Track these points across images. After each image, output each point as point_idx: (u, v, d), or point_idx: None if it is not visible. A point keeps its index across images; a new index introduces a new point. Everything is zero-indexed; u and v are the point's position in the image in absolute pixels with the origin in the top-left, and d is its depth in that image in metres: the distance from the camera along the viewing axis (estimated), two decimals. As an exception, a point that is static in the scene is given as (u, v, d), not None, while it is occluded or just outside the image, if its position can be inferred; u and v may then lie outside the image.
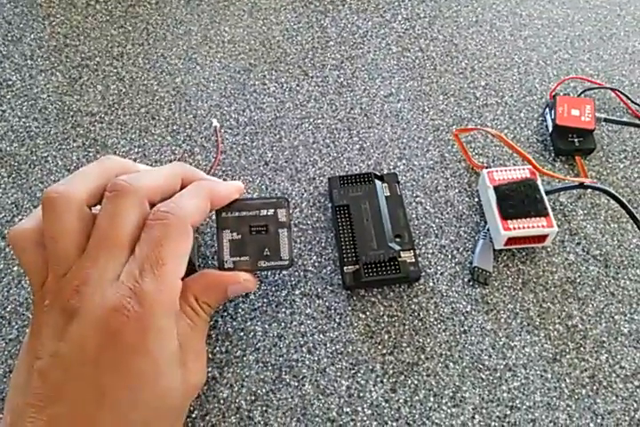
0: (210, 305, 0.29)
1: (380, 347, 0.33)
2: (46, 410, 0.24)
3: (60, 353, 0.24)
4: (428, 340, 0.33)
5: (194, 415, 0.31)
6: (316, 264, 0.35)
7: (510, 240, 0.34)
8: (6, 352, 0.32)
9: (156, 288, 0.25)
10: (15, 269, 0.35)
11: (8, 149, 0.40)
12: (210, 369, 0.32)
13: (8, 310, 0.34)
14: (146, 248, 0.26)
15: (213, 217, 0.36)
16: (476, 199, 0.38)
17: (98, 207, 0.28)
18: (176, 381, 0.26)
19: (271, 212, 0.31)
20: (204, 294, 0.29)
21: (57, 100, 0.42)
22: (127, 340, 0.24)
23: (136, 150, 0.40)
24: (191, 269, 0.29)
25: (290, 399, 0.31)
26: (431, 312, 0.34)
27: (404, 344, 0.33)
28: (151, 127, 0.41)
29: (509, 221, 0.34)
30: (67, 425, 0.24)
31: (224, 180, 0.38)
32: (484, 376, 0.32)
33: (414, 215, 0.37)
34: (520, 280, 0.35)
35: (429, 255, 0.36)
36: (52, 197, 0.26)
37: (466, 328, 0.33)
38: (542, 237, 0.34)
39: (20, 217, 0.37)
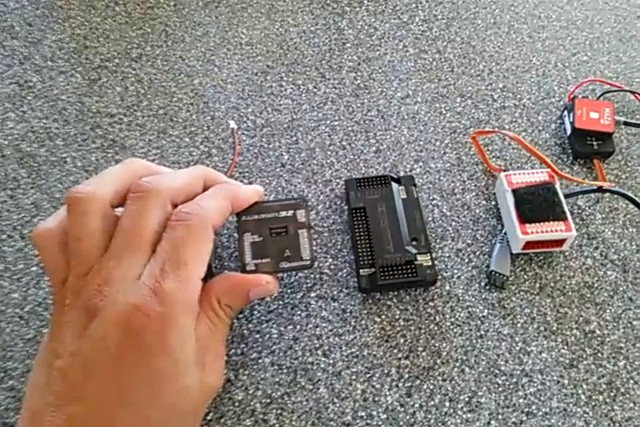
0: (231, 308, 0.29)
1: (395, 351, 0.33)
2: (65, 409, 0.24)
3: (81, 352, 0.25)
4: (444, 344, 0.33)
5: (209, 417, 0.31)
6: (332, 267, 0.35)
7: (528, 244, 0.34)
8: (24, 352, 0.33)
9: (177, 288, 0.25)
10: (34, 269, 0.36)
11: (28, 149, 0.41)
12: (225, 371, 0.32)
13: (26, 310, 0.34)
14: (168, 248, 0.26)
15: (230, 219, 0.36)
16: (493, 202, 0.38)
17: (120, 209, 0.28)
18: (195, 380, 0.26)
19: (290, 213, 0.32)
20: (227, 296, 0.29)
21: (76, 101, 0.43)
22: (148, 339, 0.25)
23: (154, 152, 0.40)
24: (208, 271, 0.29)
25: (305, 403, 0.31)
26: (447, 316, 0.34)
27: (420, 348, 0.33)
28: (169, 129, 0.41)
29: (527, 225, 0.33)
30: (86, 424, 0.24)
31: (241, 182, 0.38)
32: (500, 382, 0.32)
33: (431, 218, 0.37)
34: (537, 285, 0.35)
35: (446, 259, 0.36)
36: (76, 197, 0.27)
37: (482, 333, 0.33)
38: (560, 242, 0.34)
39: (39, 218, 0.38)
